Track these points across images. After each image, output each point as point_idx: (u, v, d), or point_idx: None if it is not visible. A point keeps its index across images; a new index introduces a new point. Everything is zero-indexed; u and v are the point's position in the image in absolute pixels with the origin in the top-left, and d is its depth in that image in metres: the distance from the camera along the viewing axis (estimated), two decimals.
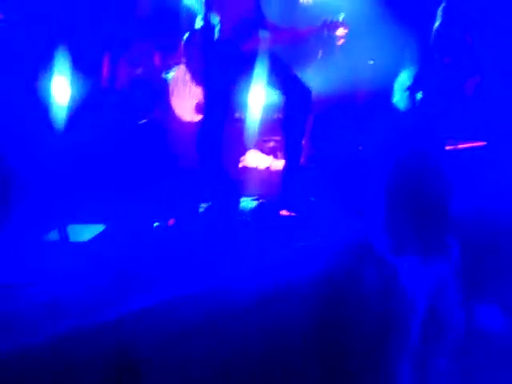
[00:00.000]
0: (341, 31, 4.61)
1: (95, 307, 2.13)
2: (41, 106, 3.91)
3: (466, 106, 5.66)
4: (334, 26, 3.52)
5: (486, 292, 3.16)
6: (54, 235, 2.90)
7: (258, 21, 3.57)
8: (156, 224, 3.23)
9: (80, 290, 2.29)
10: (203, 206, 3.44)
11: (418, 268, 2.61)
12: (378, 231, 2.78)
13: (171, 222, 3.24)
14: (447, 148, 3.23)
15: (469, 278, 2.73)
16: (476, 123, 5.17)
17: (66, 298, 2.20)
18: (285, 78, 3.57)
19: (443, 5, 5.10)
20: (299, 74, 3.69)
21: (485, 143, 4.51)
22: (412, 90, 2.78)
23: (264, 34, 3.60)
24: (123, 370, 2.03)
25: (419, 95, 2.76)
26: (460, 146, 4.24)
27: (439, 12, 5.09)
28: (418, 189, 2.66)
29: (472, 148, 4.39)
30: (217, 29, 3.33)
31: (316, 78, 4.98)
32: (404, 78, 2.85)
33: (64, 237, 2.84)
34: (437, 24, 5.16)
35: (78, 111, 4.22)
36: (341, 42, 5.24)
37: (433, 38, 5.28)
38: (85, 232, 3.01)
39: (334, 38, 4.95)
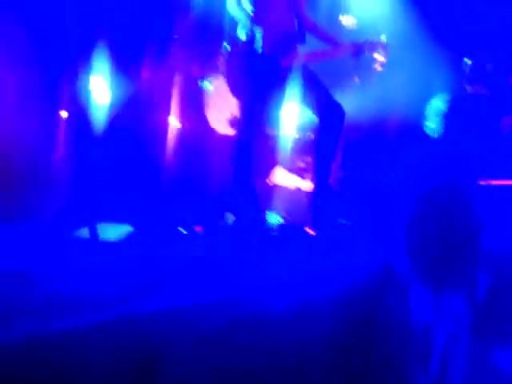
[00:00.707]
0: (380, 56, 4.63)
1: (118, 303, 2.16)
2: (80, 105, 3.99)
3: (503, 143, 5.62)
4: (376, 45, 3.51)
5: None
6: (84, 232, 2.94)
7: (299, 35, 3.59)
8: (183, 230, 3.27)
9: (105, 287, 2.31)
10: (230, 218, 3.47)
11: (441, 300, 2.59)
12: (403, 260, 2.76)
13: (198, 229, 3.27)
14: (481, 183, 3.21)
15: (493, 317, 2.69)
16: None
17: (90, 292, 2.23)
18: (320, 97, 3.57)
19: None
20: (335, 96, 3.69)
21: None
22: (445, 115, 2.78)
23: (303, 50, 3.62)
24: (142, 366, 2.05)
25: (451, 122, 2.75)
26: (494, 183, 4.20)
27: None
28: (447, 220, 2.64)
29: (506, 186, 4.34)
30: (259, 43, 3.35)
31: (351, 101, 5.01)
32: (437, 104, 2.84)
33: (94, 234, 2.88)
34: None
35: (117, 112, 4.30)
36: (379, 67, 5.28)
37: (471, 68, 5.29)
38: (114, 231, 3.05)
39: (372, 62, 4.98)
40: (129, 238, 3.03)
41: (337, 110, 3.59)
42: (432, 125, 2.86)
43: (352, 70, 6.28)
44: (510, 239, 3.33)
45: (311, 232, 3.49)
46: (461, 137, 2.76)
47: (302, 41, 3.61)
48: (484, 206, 2.72)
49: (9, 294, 2.04)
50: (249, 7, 3.24)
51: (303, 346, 2.63)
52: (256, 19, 3.31)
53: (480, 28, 5.87)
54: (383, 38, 4.23)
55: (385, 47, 3.53)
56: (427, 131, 2.88)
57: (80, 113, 3.99)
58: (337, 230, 3.55)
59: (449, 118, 2.77)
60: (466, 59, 4.98)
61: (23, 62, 3.69)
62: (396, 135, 4.94)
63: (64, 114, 3.86)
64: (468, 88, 5.15)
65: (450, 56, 5.66)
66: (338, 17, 7.13)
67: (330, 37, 3.62)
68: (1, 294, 2.01)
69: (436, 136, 2.83)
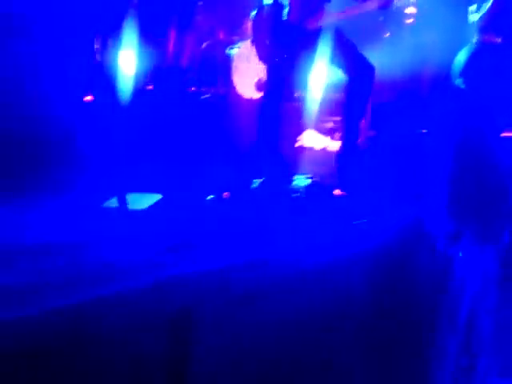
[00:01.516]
0: (410, 9, 4.48)
1: (152, 268, 2.24)
2: (108, 77, 4.05)
3: None
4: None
5: None
6: (113, 202, 3.02)
7: None
8: (211, 196, 3.31)
9: (139, 254, 2.39)
10: (258, 182, 3.48)
11: (473, 256, 2.55)
12: (435, 218, 2.72)
13: (226, 195, 3.31)
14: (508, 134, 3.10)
15: None
16: None
17: (126, 259, 2.31)
18: (349, 56, 3.50)
19: None
20: (364, 53, 3.61)
21: None
22: (466, 70, 2.68)
23: (330, 9, 3.54)
24: (177, 328, 2.13)
25: (473, 76, 2.65)
26: None
27: None
28: (477, 172, 2.58)
29: None
30: (286, 8, 3.30)
31: (382, 57, 4.87)
32: (460, 58, 2.75)
33: (123, 204, 2.96)
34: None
35: (144, 84, 4.35)
36: (409, 21, 5.11)
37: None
38: (143, 200, 3.12)
39: (402, 16, 4.81)
40: (158, 206, 3.09)
41: (366, 68, 3.53)
42: (458, 79, 2.77)
43: (382, 25, 6.11)
44: None
45: (340, 192, 3.47)
46: (484, 89, 2.66)
47: (329, 0, 3.53)
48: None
49: (53, 264, 2.15)
50: None
51: (336, 307, 2.65)
52: None
53: None
54: None
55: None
56: (455, 85, 2.79)
57: (109, 86, 4.05)
58: (366, 189, 3.51)
59: (470, 70, 2.66)
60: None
61: (54, 38, 3.76)
62: (427, 91, 4.79)
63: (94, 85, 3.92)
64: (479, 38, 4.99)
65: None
66: None
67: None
68: (46, 264, 2.13)
69: (463, 89, 2.74)
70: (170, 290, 2.17)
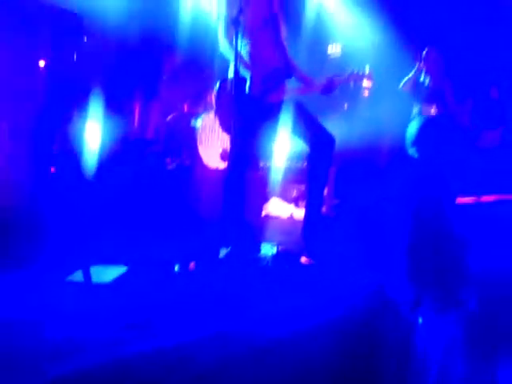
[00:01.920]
0: (367, 83, 4.72)
1: (114, 345, 2.17)
2: (73, 149, 4.07)
3: (492, 158, 5.66)
4: (361, 77, 3.59)
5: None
6: (77, 275, 2.96)
7: (287, 71, 3.68)
8: (177, 267, 3.28)
9: (101, 330, 2.32)
10: (224, 252, 3.48)
11: (434, 322, 2.57)
12: (397, 282, 2.76)
13: (192, 265, 3.29)
14: (470, 200, 3.21)
15: (489, 336, 2.67)
16: (503, 176, 5.14)
17: (84, 336, 2.24)
18: (309, 127, 3.62)
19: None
20: (324, 124, 3.75)
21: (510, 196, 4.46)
22: (420, 138, 2.82)
23: (291, 84, 3.70)
24: None
25: (427, 144, 2.79)
26: (484, 199, 4.20)
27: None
28: (434, 239, 2.65)
29: (497, 201, 4.35)
30: (247, 83, 3.42)
31: (341, 128, 5.08)
32: (411, 129, 2.89)
33: (87, 277, 2.90)
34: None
35: (108, 155, 4.38)
36: (366, 93, 5.39)
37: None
38: (107, 273, 3.07)
39: (359, 90, 5.07)
40: (122, 279, 3.04)
41: (327, 138, 3.64)
42: (410, 148, 2.91)
43: (341, 98, 6.40)
44: (496, 257, 3.33)
45: (306, 261, 3.50)
46: (435, 157, 2.80)
47: (289, 76, 3.69)
48: (469, 224, 2.73)
49: (8, 343, 2.07)
50: (238, 45, 3.32)
51: (301, 376, 2.61)
52: (246, 60, 3.39)
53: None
54: (367, 68, 4.35)
55: (370, 76, 3.61)
56: (410, 153, 2.92)
57: (73, 156, 4.06)
58: (331, 257, 3.55)
59: (423, 139, 2.81)
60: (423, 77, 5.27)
61: (19, 110, 3.78)
62: (385, 158, 4.99)
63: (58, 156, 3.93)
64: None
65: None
66: (324, 46, 7.32)
67: (315, 81, 3.70)
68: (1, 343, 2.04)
69: (416, 158, 2.87)
70: (131, 367, 2.10)
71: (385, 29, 6.05)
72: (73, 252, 3.18)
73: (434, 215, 2.67)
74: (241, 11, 3.26)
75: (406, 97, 5.51)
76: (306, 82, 3.69)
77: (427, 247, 2.65)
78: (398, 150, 3.41)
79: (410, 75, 5.45)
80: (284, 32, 3.69)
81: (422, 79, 5.53)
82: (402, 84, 5.54)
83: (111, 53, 4.96)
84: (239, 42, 3.28)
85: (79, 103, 4.47)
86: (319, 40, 7.16)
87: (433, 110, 5.37)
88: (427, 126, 2.85)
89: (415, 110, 5.46)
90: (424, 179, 2.77)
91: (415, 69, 5.47)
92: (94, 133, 4.41)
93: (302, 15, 7.05)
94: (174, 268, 3.27)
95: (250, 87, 3.40)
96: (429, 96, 5.45)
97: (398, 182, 2.93)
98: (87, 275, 2.91)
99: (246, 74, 3.41)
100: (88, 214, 3.54)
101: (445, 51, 6.10)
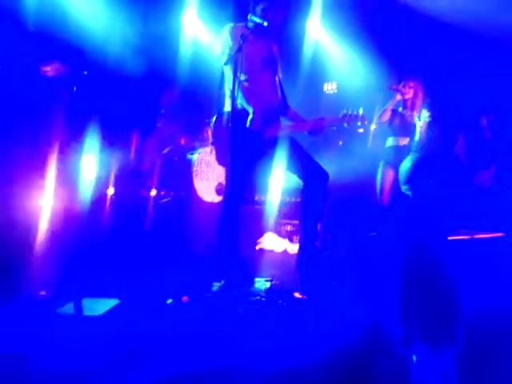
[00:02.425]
0: (360, 123, 4.80)
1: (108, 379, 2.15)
2: (69, 181, 4.08)
3: (484, 197, 5.72)
4: (354, 118, 3.65)
5: None
6: (69, 308, 2.94)
7: (283, 110, 3.76)
8: (170, 301, 3.26)
9: (91, 364, 2.30)
10: (217, 285, 3.47)
11: (428, 359, 2.55)
12: (390, 318, 2.75)
13: (185, 299, 3.27)
14: (463, 237, 3.24)
15: (483, 372, 2.64)
16: (495, 214, 5.19)
17: (77, 371, 2.22)
18: (303, 163, 3.67)
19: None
20: (319, 160, 3.79)
21: (503, 234, 4.49)
22: (412, 176, 2.86)
23: (286, 122, 3.77)
24: None
25: (420, 182, 2.83)
26: (477, 236, 4.23)
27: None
28: (426, 276, 2.65)
29: (489, 239, 4.37)
30: (249, 118, 3.47)
31: (335, 164, 5.13)
32: (405, 167, 2.94)
33: (79, 310, 2.88)
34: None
35: (104, 187, 4.40)
36: (361, 130, 5.48)
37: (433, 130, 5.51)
38: (99, 306, 3.05)
39: (354, 128, 5.14)
40: (114, 312, 3.02)
41: (320, 174, 3.68)
42: (403, 186, 2.94)
43: (336, 135, 6.49)
44: (489, 294, 3.33)
45: (300, 296, 3.49)
46: (430, 194, 2.83)
47: (284, 114, 3.76)
48: (463, 261, 2.75)
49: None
50: (241, 82, 3.38)
51: None
52: (247, 94, 3.46)
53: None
54: (361, 111, 4.48)
55: (363, 117, 3.68)
56: (403, 190, 2.96)
57: (69, 187, 4.07)
58: (325, 292, 3.54)
59: (415, 177, 2.85)
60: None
61: (16, 143, 3.81)
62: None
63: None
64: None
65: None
66: (320, 83, 7.45)
67: (309, 121, 3.76)
68: None
69: (410, 194, 2.90)
70: None
71: (377, 66, 6.19)
72: (65, 284, 3.16)
73: (426, 253, 2.67)
74: (239, 50, 3.35)
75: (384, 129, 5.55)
76: (297, 120, 3.75)
77: (419, 285, 2.65)
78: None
79: (387, 106, 5.42)
80: (280, 73, 3.78)
81: (399, 110, 5.48)
82: (378, 115, 5.49)
83: (111, 86, 5.04)
84: (240, 77, 3.36)
85: (77, 135, 4.51)
86: (315, 77, 7.30)
87: (406, 142, 5.30)
88: (420, 163, 2.89)
89: (390, 141, 5.42)
90: (417, 217, 2.80)
91: (392, 100, 5.43)
92: (90, 165, 4.44)
93: (299, 54, 7.22)
94: (166, 301, 3.25)
95: (251, 121, 3.46)
96: (404, 128, 5.39)
97: (392, 219, 2.95)
98: (79, 307, 2.88)
99: (248, 108, 3.47)
100: (81, 246, 3.54)
101: (437, 87, 6.22)
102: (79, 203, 3.94)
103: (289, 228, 4.59)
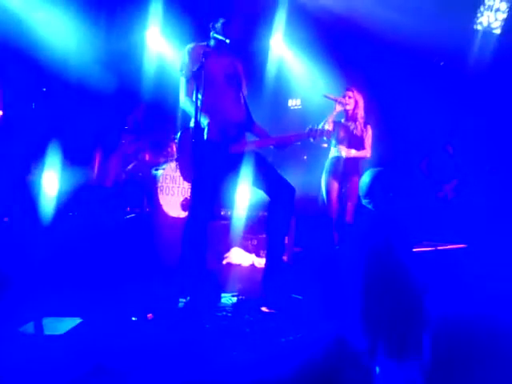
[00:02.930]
0: (326, 137, 4.85)
1: None
2: (30, 197, 3.99)
3: (447, 209, 5.87)
4: (320, 133, 3.68)
5: None
6: (29, 328, 2.85)
7: (247, 125, 3.77)
8: (134, 318, 3.19)
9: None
10: (183, 301, 3.42)
11: (392, 370, 2.55)
12: (354, 330, 2.75)
13: (150, 316, 3.21)
14: (426, 249, 3.28)
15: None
16: (457, 226, 5.32)
17: None
18: (269, 178, 3.67)
19: None
20: (284, 175, 3.80)
21: (465, 245, 4.60)
22: (370, 190, 2.90)
23: (251, 138, 3.78)
24: None
25: (378, 196, 2.87)
26: (440, 248, 4.31)
27: None
28: (388, 287, 2.66)
29: (452, 250, 4.47)
30: (205, 130, 3.46)
31: (301, 179, 5.17)
32: (365, 181, 2.98)
33: (39, 329, 2.79)
34: None
35: (67, 204, 4.31)
36: (325, 145, 5.53)
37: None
38: (61, 325, 2.96)
39: (319, 142, 5.19)
40: (76, 331, 2.94)
41: (286, 188, 3.69)
42: (363, 199, 2.98)
43: (301, 151, 6.57)
44: (457, 303, 3.39)
45: (267, 310, 3.47)
46: (388, 207, 2.87)
47: (249, 129, 3.77)
48: (425, 271, 2.78)
49: None
50: (198, 97, 3.38)
51: None
52: (202, 108, 3.44)
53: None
54: (326, 125, 4.56)
55: (328, 132, 3.72)
56: (363, 203, 2.99)
57: (30, 205, 3.98)
58: (291, 305, 3.53)
59: (373, 191, 2.89)
60: None
61: None
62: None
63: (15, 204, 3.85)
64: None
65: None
66: (284, 100, 7.55)
67: (274, 137, 3.78)
68: None
69: (371, 206, 2.94)
70: None
71: (338, 81, 6.29)
72: (25, 303, 3.06)
73: (389, 263, 2.69)
74: (202, 66, 3.36)
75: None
76: (262, 136, 3.77)
77: (382, 295, 2.66)
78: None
79: (328, 118, 5.10)
80: (245, 89, 3.80)
81: (342, 121, 5.28)
82: (321, 124, 5.24)
83: (72, 103, 4.97)
84: (200, 94, 3.36)
85: (38, 152, 4.42)
86: (280, 94, 7.39)
87: (350, 154, 5.11)
88: (377, 178, 2.93)
89: (333, 152, 5.25)
90: (379, 228, 2.83)
91: (332, 111, 5.16)
92: (51, 181, 4.35)
93: (263, 70, 7.30)
94: (131, 319, 3.18)
95: (207, 133, 3.45)
96: (348, 139, 5.20)
97: (354, 231, 2.98)
98: (39, 327, 2.80)
99: (204, 121, 3.46)
100: (42, 263, 3.44)
101: (403, 106, 6.38)
102: (41, 220, 3.84)
103: (255, 242, 4.58)
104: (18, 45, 4.40)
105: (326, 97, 5.16)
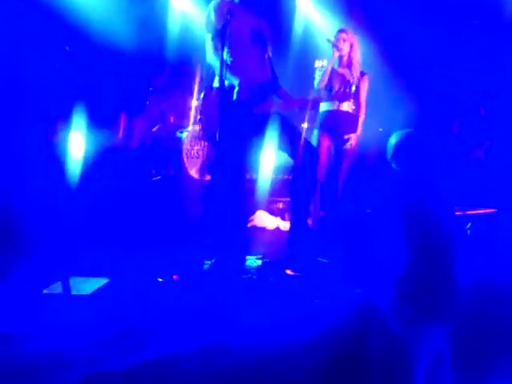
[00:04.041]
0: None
1: (99, 359, 2.11)
2: (56, 159, 4.01)
3: (477, 173, 5.72)
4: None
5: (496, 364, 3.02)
6: (56, 287, 2.89)
7: (273, 87, 3.69)
8: (160, 279, 3.23)
9: (83, 343, 2.26)
10: (208, 263, 3.43)
11: (420, 336, 2.53)
12: (384, 295, 2.72)
13: (175, 277, 3.23)
14: (456, 213, 3.20)
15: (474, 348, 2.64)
16: (487, 190, 5.19)
17: (69, 350, 2.19)
18: (294, 140, 3.62)
19: None
20: (308, 137, 3.75)
21: (495, 210, 4.50)
22: (397, 152, 2.83)
23: (276, 100, 3.71)
24: None
25: (405, 159, 2.80)
26: (469, 212, 4.23)
27: None
28: (427, 249, 2.60)
29: (482, 214, 4.37)
30: (236, 90, 3.40)
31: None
32: (392, 141, 2.90)
33: (66, 289, 2.83)
34: None
35: (93, 166, 4.33)
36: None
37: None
38: (87, 285, 3.00)
39: None
40: (103, 291, 2.97)
41: (311, 152, 3.64)
42: (392, 160, 2.90)
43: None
44: (487, 268, 3.32)
45: (292, 273, 3.46)
46: (422, 168, 2.79)
47: (274, 91, 3.70)
48: (459, 231, 2.72)
49: None
50: (226, 57, 3.30)
51: None
52: (232, 68, 3.38)
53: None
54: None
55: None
56: (392, 166, 2.92)
57: (56, 166, 4.00)
58: (317, 269, 3.51)
59: (404, 152, 2.81)
60: None
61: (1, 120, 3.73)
62: (370, 169, 4.99)
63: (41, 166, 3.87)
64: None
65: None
66: (311, 61, 7.38)
67: (298, 99, 3.69)
68: None
69: (399, 169, 2.86)
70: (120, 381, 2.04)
71: (369, 43, 6.09)
72: (52, 263, 3.11)
73: (426, 224, 2.62)
74: (227, 24, 3.27)
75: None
76: (287, 98, 3.70)
77: (418, 258, 2.61)
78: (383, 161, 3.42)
79: (327, 67, 4.59)
80: (270, 50, 3.71)
81: (338, 69, 4.68)
82: (317, 82, 4.64)
83: (97, 63, 4.93)
84: (225, 53, 3.28)
85: (63, 113, 4.42)
86: (306, 54, 7.22)
87: (346, 108, 4.55)
88: (407, 139, 2.85)
89: (325, 105, 4.63)
90: (409, 190, 2.76)
91: (331, 59, 4.61)
92: (78, 143, 4.36)
93: (290, 30, 7.12)
94: (157, 280, 3.21)
95: (237, 93, 3.38)
96: (343, 91, 4.62)
97: (383, 193, 2.91)
98: (66, 287, 2.84)
99: (234, 81, 3.39)
100: (69, 224, 3.48)
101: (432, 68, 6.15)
102: (68, 181, 3.87)
103: (280, 206, 4.56)
104: (44, 4, 4.35)
105: (328, 41, 4.61)
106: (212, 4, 3.56)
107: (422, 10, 6.37)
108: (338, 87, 4.63)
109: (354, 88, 4.63)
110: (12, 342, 2.23)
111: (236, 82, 3.38)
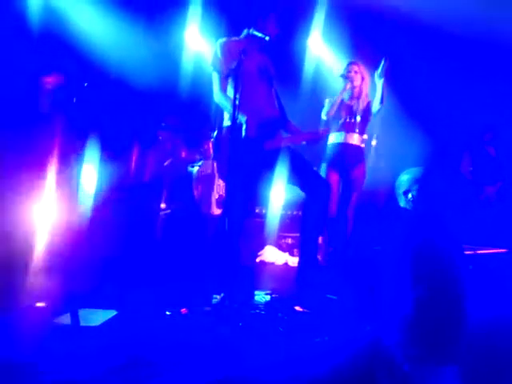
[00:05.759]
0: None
1: None
2: (70, 191, 4.06)
3: (488, 213, 5.71)
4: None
5: None
6: (65, 319, 2.90)
7: (281, 122, 3.75)
8: (168, 312, 3.21)
9: (90, 374, 2.26)
10: (217, 298, 3.42)
11: (428, 375, 2.48)
12: (392, 333, 2.69)
13: (184, 310, 3.22)
14: (466, 252, 3.18)
15: None
16: (498, 230, 5.17)
17: (77, 381, 2.18)
18: (305, 174, 3.64)
19: None
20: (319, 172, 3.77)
21: (506, 250, 4.46)
22: (407, 192, 2.84)
23: (285, 134, 3.76)
24: None
25: (415, 197, 2.81)
26: (480, 252, 4.20)
27: None
28: (436, 288, 2.58)
29: (492, 254, 4.34)
30: (243, 127, 3.45)
31: None
32: (402, 181, 2.90)
33: (75, 320, 2.83)
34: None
35: (104, 199, 4.37)
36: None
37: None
38: (96, 317, 3.00)
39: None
40: (111, 323, 2.97)
41: (322, 186, 3.65)
42: (402, 197, 2.91)
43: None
44: (496, 308, 3.27)
45: (300, 309, 3.43)
46: (434, 206, 2.79)
47: (283, 126, 3.75)
48: (468, 272, 2.69)
49: None
50: (233, 95, 3.37)
51: None
52: (239, 106, 3.43)
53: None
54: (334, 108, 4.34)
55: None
56: (401, 204, 2.92)
57: (69, 198, 4.05)
58: (326, 306, 3.48)
59: (417, 189, 2.82)
60: None
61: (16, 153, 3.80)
62: (380, 208, 4.99)
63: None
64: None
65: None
66: (322, 101, 7.48)
67: (307, 132, 3.76)
68: None
69: (409, 208, 2.86)
70: None
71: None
72: (62, 294, 3.12)
73: (435, 264, 2.61)
74: (241, 63, 3.34)
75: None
76: (295, 132, 3.75)
77: (427, 296, 2.58)
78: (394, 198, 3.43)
79: (337, 98, 4.60)
80: (276, 86, 3.78)
81: (346, 101, 4.69)
82: (325, 112, 4.66)
83: (111, 98, 5.04)
84: (232, 91, 3.34)
85: (77, 146, 4.50)
86: (317, 94, 7.33)
87: (353, 141, 4.57)
88: (420, 177, 2.86)
89: (333, 137, 4.67)
90: (420, 228, 2.75)
91: (342, 90, 4.60)
92: (90, 176, 4.41)
93: (301, 70, 7.25)
94: (165, 313, 3.20)
95: (246, 130, 3.43)
96: (351, 122, 4.65)
97: (392, 231, 2.91)
98: (75, 318, 2.84)
99: (242, 118, 3.45)
100: (80, 256, 3.50)
101: (440, 105, 6.20)
102: (79, 214, 3.90)
103: (289, 241, 4.56)
104: (63, 42, 4.49)
105: (341, 76, 4.63)
106: (219, 42, 3.64)
107: (431, 49, 6.47)
108: (344, 118, 4.66)
109: (358, 118, 4.65)
110: (21, 372, 2.23)
111: (243, 119, 3.44)
